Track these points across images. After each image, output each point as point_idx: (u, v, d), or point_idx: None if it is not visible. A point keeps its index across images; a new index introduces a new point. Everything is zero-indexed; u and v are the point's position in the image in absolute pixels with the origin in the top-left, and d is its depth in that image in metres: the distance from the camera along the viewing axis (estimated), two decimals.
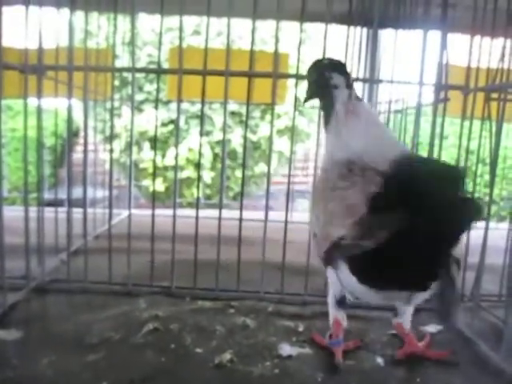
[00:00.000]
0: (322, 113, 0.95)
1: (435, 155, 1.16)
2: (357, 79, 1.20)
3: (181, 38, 1.11)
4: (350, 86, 0.91)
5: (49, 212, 1.26)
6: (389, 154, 0.73)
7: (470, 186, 1.22)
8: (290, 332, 0.98)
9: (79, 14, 1.26)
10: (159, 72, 1.17)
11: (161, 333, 0.91)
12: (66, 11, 1.22)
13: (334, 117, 0.90)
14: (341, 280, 0.78)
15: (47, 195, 1.65)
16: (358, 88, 1.93)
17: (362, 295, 0.79)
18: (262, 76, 1.14)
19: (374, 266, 0.66)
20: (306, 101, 0.96)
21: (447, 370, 0.86)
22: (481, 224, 1.02)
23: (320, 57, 1.00)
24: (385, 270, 0.65)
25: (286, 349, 0.89)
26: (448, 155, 3.49)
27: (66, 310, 1.02)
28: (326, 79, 0.91)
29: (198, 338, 0.91)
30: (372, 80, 1.24)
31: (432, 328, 1.02)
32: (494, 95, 1.09)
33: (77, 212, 1.24)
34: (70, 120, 1.20)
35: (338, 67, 0.92)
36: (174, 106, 3.35)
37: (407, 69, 1.40)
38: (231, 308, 1.06)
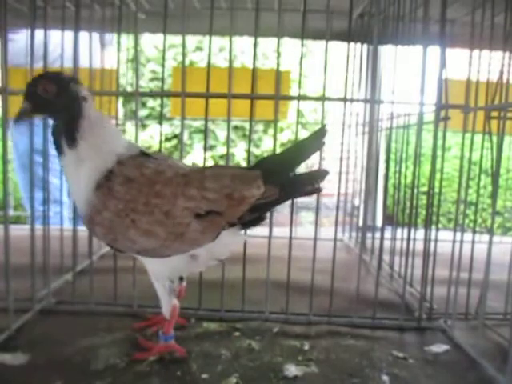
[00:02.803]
0: (58, 132, 0.86)
1: (438, 167, 1.17)
2: (358, 100, 1.21)
3: (183, 61, 1.13)
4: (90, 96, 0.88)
5: (54, 230, 1.27)
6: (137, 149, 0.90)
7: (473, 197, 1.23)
8: (295, 351, 0.98)
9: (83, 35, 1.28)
10: (163, 95, 1.19)
11: (166, 360, 0.91)
12: (70, 33, 1.23)
13: (82, 132, 0.84)
14: (213, 247, 0.87)
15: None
16: (360, 106, 1.96)
17: (221, 251, 0.91)
18: (265, 98, 1.15)
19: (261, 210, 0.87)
20: (25, 117, 0.85)
21: None
22: (485, 238, 1.03)
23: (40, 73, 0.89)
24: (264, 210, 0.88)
25: (291, 369, 0.90)
26: (451, 166, 3.50)
27: (72, 333, 1.02)
28: (74, 92, 0.84)
29: (204, 364, 0.91)
30: (373, 101, 1.24)
31: (437, 348, 1.02)
32: (494, 113, 1.10)
33: (82, 230, 1.25)
34: None
35: (77, 79, 0.88)
36: (177, 121, 3.38)
37: (408, 85, 1.42)
38: (236, 331, 1.06)
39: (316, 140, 0.88)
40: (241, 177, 0.85)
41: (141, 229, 0.82)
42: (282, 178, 0.86)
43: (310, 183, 0.87)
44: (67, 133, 0.85)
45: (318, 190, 0.88)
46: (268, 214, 0.91)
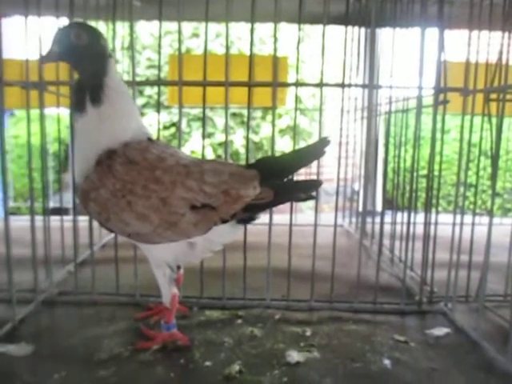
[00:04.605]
0: (83, 87, 0.85)
1: (437, 150, 1.17)
2: (356, 85, 1.20)
3: (180, 48, 1.12)
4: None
5: (54, 221, 1.27)
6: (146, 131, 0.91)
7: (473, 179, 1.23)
8: (297, 338, 0.99)
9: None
10: (160, 84, 1.18)
11: (170, 349, 0.92)
12: (65, 20, 1.22)
13: (108, 91, 0.85)
14: (211, 237, 0.88)
15: (52, 202, 1.66)
16: (358, 91, 1.94)
17: (219, 240, 0.92)
18: (262, 85, 1.14)
19: (254, 210, 0.87)
20: (51, 60, 0.85)
21: (454, 373, 0.87)
22: (485, 220, 1.03)
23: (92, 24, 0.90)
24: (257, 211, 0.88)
25: (293, 356, 0.90)
26: (450, 149, 3.49)
27: (75, 324, 1.03)
28: (102, 47, 0.85)
29: (207, 352, 0.91)
30: (371, 85, 1.23)
31: (438, 331, 1.03)
32: (493, 95, 1.10)
33: (83, 220, 1.25)
34: (72, 126, 1.21)
35: (104, 36, 0.86)
36: (175, 109, 3.36)
37: (406, 68, 1.41)
38: (239, 318, 1.07)
39: (317, 148, 0.88)
40: (239, 175, 0.85)
41: (135, 212, 0.82)
42: (279, 182, 0.87)
43: (304, 191, 0.87)
44: (93, 88, 0.85)
45: (311, 198, 0.88)
46: (259, 215, 0.91)
